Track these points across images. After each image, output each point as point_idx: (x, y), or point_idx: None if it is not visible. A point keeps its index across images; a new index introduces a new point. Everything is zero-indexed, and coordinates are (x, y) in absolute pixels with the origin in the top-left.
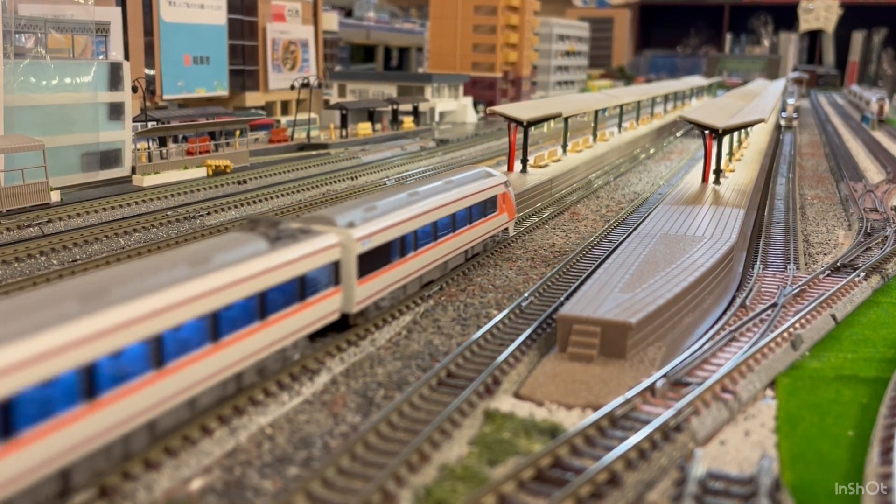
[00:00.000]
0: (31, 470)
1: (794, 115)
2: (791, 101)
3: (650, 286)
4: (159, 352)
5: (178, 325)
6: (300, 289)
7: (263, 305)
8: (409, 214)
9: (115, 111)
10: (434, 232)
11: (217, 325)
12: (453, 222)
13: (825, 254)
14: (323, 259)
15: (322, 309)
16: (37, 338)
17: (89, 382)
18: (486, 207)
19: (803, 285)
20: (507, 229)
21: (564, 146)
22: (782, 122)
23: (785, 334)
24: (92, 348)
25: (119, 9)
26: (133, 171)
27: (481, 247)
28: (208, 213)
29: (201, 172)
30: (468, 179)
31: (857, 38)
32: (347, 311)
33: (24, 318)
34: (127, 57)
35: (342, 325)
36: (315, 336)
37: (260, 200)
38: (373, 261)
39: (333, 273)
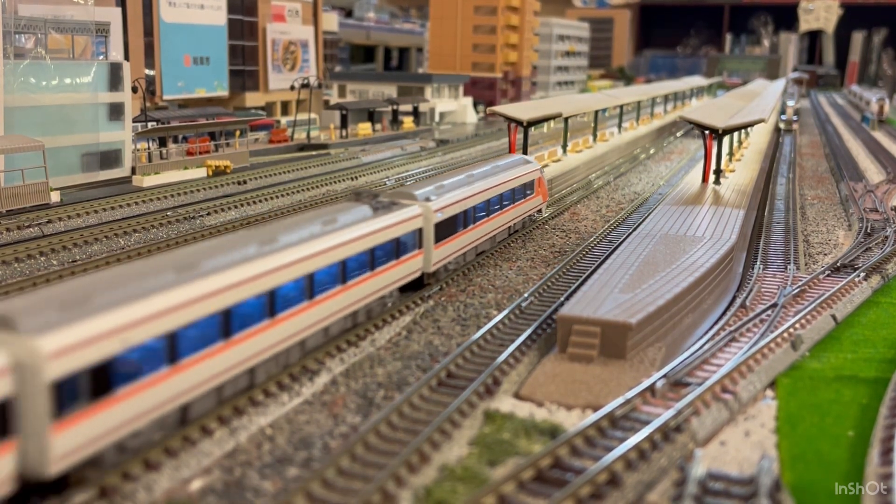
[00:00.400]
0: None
1: (794, 117)
2: (791, 102)
3: (650, 286)
4: (310, 289)
5: (321, 269)
6: (396, 249)
7: (373, 259)
8: (469, 192)
9: (115, 111)
10: (487, 208)
11: (345, 272)
12: (501, 201)
13: (825, 254)
14: (411, 226)
15: (410, 267)
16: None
17: (271, 305)
18: (525, 189)
19: (803, 285)
20: (540, 210)
21: (564, 146)
22: (781, 125)
23: (785, 334)
24: (271, 279)
25: (119, 9)
26: (133, 171)
27: (520, 224)
28: (208, 214)
29: (201, 173)
30: (511, 165)
31: (857, 38)
32: (426, 270)
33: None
34: (127, 57)
35: (418, 284)
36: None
37: (260, 201)
38: (445, 229)
39: (418, 238)
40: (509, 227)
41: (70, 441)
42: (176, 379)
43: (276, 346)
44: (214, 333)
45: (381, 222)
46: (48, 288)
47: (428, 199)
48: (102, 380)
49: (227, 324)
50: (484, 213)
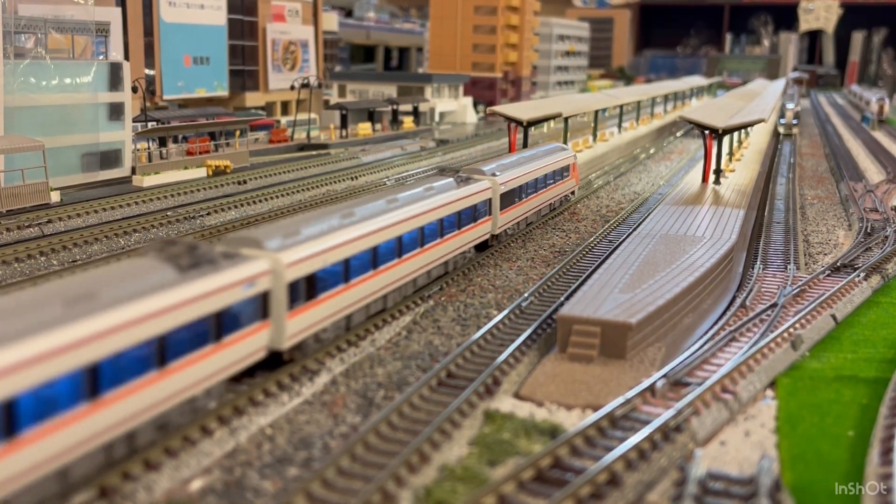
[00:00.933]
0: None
1: (795, 121)
2: (790, 105)
3: (650, 286)
4: (421, 239)
5: (428, 223)
6: (473, 213)
7: (459, 220)
8: (523, 171)
9: (115, 111)
10: (535, 186)
11: (441, 229)
12: (545, 180)
13: (825, 254)
14: (484, 196)
15: (483, 229)
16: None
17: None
18: (563, 172)
19: (803, 285)
20: (573, 192)
21: None
22: (781, 130)
23: (785, 334)
24: (400, 227)
25: (119, 9)
26: (133, 171)
27: (559, 202)
28: (208, 214)
29: (201, 173)
30: (551, 151)
31: (857, 38)
32: (493, 232)
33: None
34: (127, 57)
35: (484, 245)
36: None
37: (260, 201)
38: (507, 200)
39: (488, 205)
40: (550, 204)
41: (295, 326)
42: (349, 293)
43: (400, 280)
44: (368, 263)
45: (464, 192)
46: (272, 224)
47: (494, 175)
48: (312, 287)
49: (375, 257)
50: (533, 190)
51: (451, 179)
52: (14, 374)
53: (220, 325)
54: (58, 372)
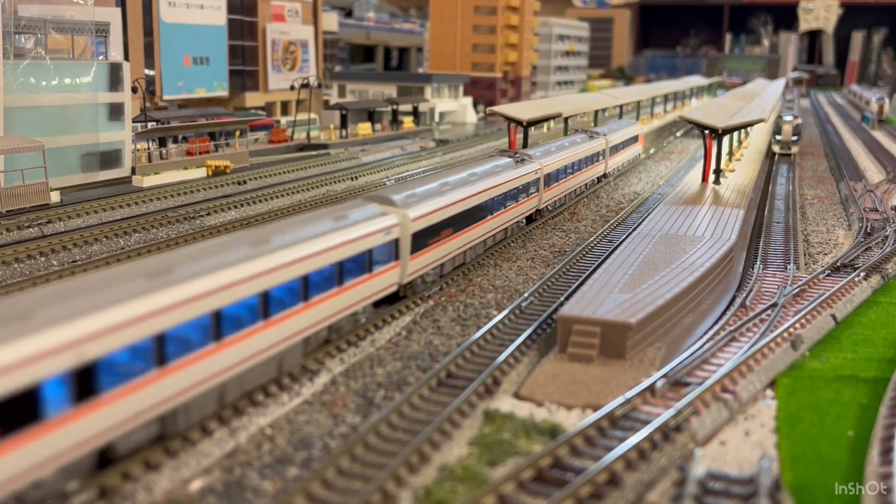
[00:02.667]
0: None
1: (794, 137)
2: (788, 117)
3: (650, 286)
4: (492, 207)
5: (499, 195)
6: (526, 189)
7: (517, 194)
8: (565, 155)
9: (115, 112)
10: (579, 166)
11: (506, 200)
12: (621, 146)
13: (825, 254)
14: (533, 176)
15: (530, 204)
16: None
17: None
18: (632, 141)
19: (803, 285)
20: (640, 154)
21: None
22: (776, 149)
23: (785, 334)
24: (486, 194)
25: (119, 9)
26: (133, 171)
27: (630, 164)
28: (208, 214)
29: (201, 173)
30: (624, 125)
31: (857, 37)
32: (538, 207)
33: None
34: (127, 57)
35: (529, 220)
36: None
37: (260, 201)
38: (549, 181)
39: (535, 185)
40: (629, 160)
41: (412, 267)
42: (441, 248)
43: (480, 238)
44: (468, 222)
45: (521, 171)
46: (397, 185)
47: (541, 159)
48: (424, 237)
49: (468, 219)
50: (577, 168)
51: (510, 160)
52: (216, 293)
53: (371, 260)
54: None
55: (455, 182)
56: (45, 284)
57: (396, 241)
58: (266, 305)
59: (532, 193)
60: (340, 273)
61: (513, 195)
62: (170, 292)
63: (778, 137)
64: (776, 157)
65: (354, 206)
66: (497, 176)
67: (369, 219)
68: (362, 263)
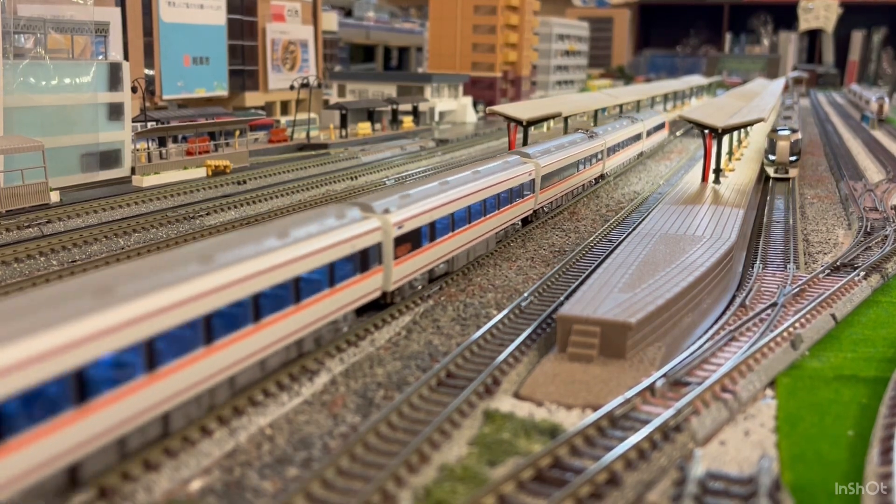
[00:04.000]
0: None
1: (793, 157)
2: (784, 130)
3: (650, 286)
4: (567, 171)
5: (578, 160)
6: (594, 159)
7: (587, 162)
8: (621, 134)
9: (115, 111)
10: (628, 143)
11: (580, 166)
12: (652, 131)
13: (825, 253)
14: (598, 148)
15: (597, 170)
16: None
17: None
18: (659, 128)
19: (803, 285)
20: (665, 137)
21: None
22: (770, 172)
23: (785, 334)
24: (566, 160)
25: (118, 9)
26: (133, 171)
27: (656, 148)
28: (208, 214)
29: (201, 173)
30: (650, 115)
31: (857, 37)
32: (603, 173)
33: None
34: (126, 57)
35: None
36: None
37: (259, 200)
38: (612, 152)
39: (600, 156)
40: (658, 145)
41: (397, 273)
42: (432, 251)
43: (473, 241)
44: (469, 217)
45: (591, 144)
46: (378, 191)
47: (605, 135)
48: (408, 242)
49: (498, 202)
50: (628, 143)
51: (584, 135)
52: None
53: (363, 261)
54: (582, 157)
55: (445, 186)
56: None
57: (379, 246)
58: (257, 308)
59: (597, 162)
60: (332, 276)
61: (584, 162)
62: (215, 277)
63: (771, 157)
64: (770, 181)
65: (332, 211)
66: (580, 145)
67: (347, 224)
68: (344, 270)
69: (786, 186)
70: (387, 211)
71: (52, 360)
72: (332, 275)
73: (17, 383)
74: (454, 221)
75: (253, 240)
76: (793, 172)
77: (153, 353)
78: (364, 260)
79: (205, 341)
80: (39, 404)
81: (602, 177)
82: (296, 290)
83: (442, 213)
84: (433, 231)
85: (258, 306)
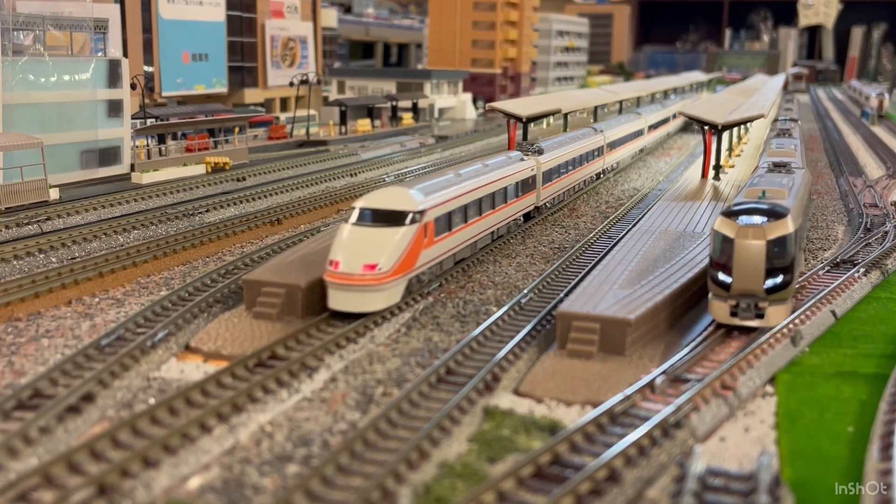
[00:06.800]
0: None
1: (786, 201)
2: (764, 163)
3: (650, 282)
4: (631, 137)
5: (650, 127)
6: (642, 133)
7: (639, 135)
8: (658, 115)
9: (114, 108)
10: (664, 123)
11: (632, 137)
12: (581, 160)
13: (825, 249)
14: (641, 126)
15: (641, 144)
16: None
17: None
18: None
19: (803, 281)
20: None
21: None
22: (721, 312)
23: (785, 330)
24: (636, 126)
25: (117, 6)
26: (132, 168)
27: (675, 130)
28: (207, 211)
29: (200, 170)
30: (674, 102)
31: (857, 33)
32: (644, 147)
33: None
34: (126, 54)
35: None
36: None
37: (259, 197)
38: (652, 128)
39: (643, 131)
40: (668, 133)
41: (544, 194)
42: (566, 180)
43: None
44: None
45: (637, 120)
46: (532, 141)
47: (644, 114)
48: (550, 174)
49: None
50: (575, 166)
51: (636, 115)
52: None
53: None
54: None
55: (559, 142)
56: None
57: (534, 177)
58: (479, 209)
59: (643, 136)
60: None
61: (633, 135)
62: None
63: (723, 278)
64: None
65: (505, 155)
66: (649, 115)
67: (517, 161)
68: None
69: None
70: (539, 152)
71: (449, 203)
72: (516, 190)
73: (442, 210)
74: (574, 161)
75: (476, 170)
76: (774, 317)
77: (466, 214)
78: (526, 184)
79: (475, 215)
80: (439, 225)
81: (603, 172)
82: (504, 196)
83: (568, 157)
84: (570, 165)
85: (483, 204)
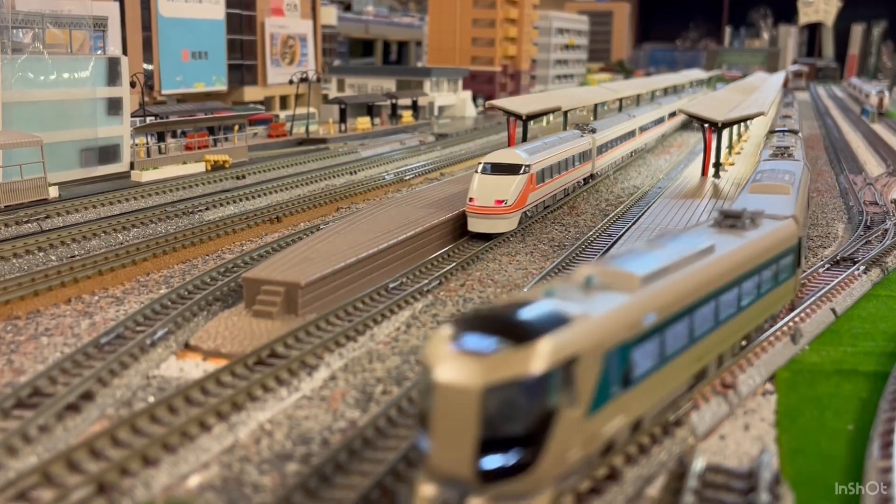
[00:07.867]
0: None
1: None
2: (750, 184)
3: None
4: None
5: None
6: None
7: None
8: (615, 131)
9: (114, 106)
10: (637, 133)
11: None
12: (625, 137)
13: (825, 247)
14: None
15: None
16: None
17: None
18: (658, 122)
19: (803, 279)
20: (670, 127)
21: None
22: None
23: (785, 328)
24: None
25: (117, 4)
26: (132, 166)
27: (654, 143)
28: (207, 209)
29: (200, 168)
30: (646, 109)
31: (857, 31)
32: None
33: None
34: (125, 52)
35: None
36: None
37: (258, 195)
38: (602, 149)
39: (589, 153)
40: (591, 176)
41: (598, 164)
42: (615, 152)
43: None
44: (620, 140)
45: (583, 142)
46: (592, 122)
47: (594, 131)
48: (603, 148)
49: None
50: (622, 140)
51: (578, 132)
52: None
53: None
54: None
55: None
56: None
57: (590, 150)
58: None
59: (588, 160)
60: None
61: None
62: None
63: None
64: None
65: (570, 132)
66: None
67: (578, 137)
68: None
69: None
70: (593, 131)
71: (543, 162)
72: (581, 158)
73: (540, 167)
74: (620, 138)
75: (554, 140)
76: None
77: (552, 171)
78: (585, 155)
79: (556, 173)
80: (539, 177)
81: (592, 176)
82: (573, 161)
83: (614, 136)
84: (616, 142)
85: (561, 166)
